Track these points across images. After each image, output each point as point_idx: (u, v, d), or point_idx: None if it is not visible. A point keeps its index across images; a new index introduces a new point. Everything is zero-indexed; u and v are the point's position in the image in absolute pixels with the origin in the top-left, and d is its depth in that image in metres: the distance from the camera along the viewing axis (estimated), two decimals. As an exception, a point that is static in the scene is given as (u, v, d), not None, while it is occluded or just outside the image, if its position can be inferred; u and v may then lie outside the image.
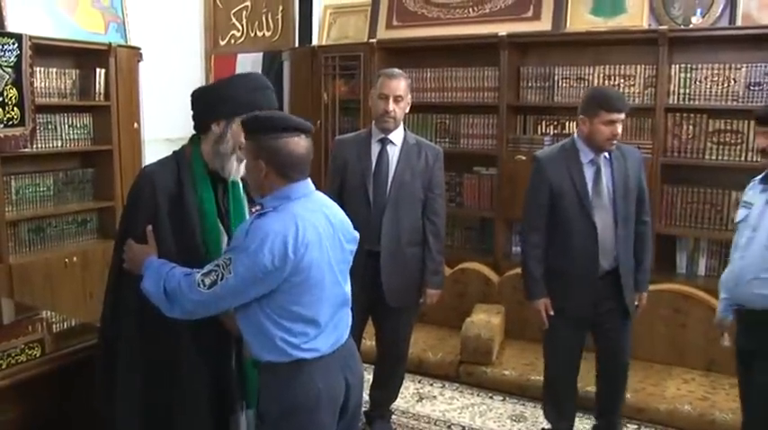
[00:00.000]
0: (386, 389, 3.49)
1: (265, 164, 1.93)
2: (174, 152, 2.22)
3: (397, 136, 3.20)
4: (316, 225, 1.94)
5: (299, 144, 1.95)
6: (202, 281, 1.88)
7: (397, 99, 3.11)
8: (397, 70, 3.21)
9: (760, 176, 2.70)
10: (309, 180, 2.02)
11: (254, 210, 2.08)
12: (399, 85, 3.12)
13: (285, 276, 1.87)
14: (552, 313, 3.06)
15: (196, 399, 2.09)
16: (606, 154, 2.97)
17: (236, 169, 2.14)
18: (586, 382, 3.33)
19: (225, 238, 2.18)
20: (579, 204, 2.95)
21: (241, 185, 2.26)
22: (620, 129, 2.89)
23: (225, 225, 2.19)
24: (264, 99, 2.15)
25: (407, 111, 3.24)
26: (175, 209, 2.08)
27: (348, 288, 2.12)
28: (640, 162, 3.06)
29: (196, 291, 1.88)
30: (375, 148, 3.21)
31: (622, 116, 2.88)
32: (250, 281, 1.86)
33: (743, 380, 2.78)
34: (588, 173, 2.96)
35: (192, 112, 2.21)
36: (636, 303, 3.06)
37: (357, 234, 2.16)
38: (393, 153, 3.19)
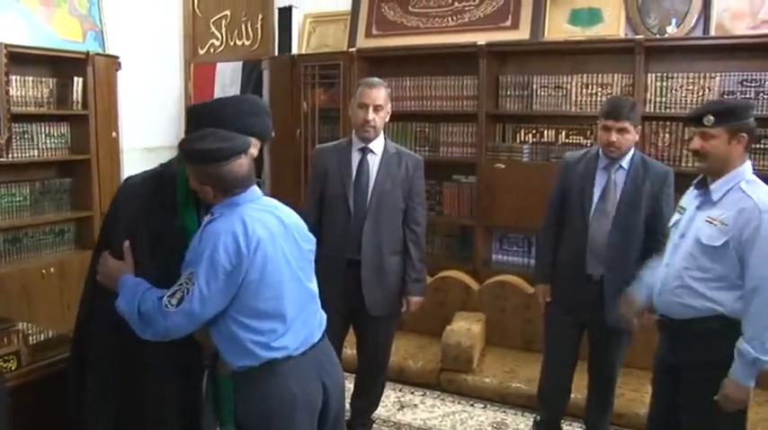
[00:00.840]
0: (367, 398, 3.49)
1: (212, 188, 1.97)
2: (161, 165, 2.18)
3: (377, 145, 3.20)
4: (265, 222, 1.98)
5: (242, 165, 1.98)
6: (169, 302, 1.88)
7: (377, 108, 3.11)
8: (376, 79, 3.21)
9: (695, 181, 2.62)
10: (255, 186, 2.07)
11: (205, 218, 2.06)
12: (379, 94, 3.12)
13: (243, 274, 1.90)
14: (548, 300, 3.23)
15: (167, 415, 2.07)
16: (624, 163, 3.00)
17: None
18: (580, 391, 3.35)
19: None
20: (579, 203, 3.04)
21: None
22: (614, 136, 2.91)
23: None
24: (258, 125, 2.13)
25: (387, 120, 3.24)
26: (155, 226, 2.04)
27: (314, 286, 2.16)
28: (664, 179, 3.00)
29: (164, 313, 1.88)
30: (355, 158, 3.20)
31: (619, 124, 2.90)
32: (215, 287, 1.88)
33: (662, 390, 2.68)
34: (600, 178, 3.03)
35: (185, 129, 2.18)
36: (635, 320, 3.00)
37: (313, 236, 2.20)
38: (373, 162, 3.19)
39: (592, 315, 3.03)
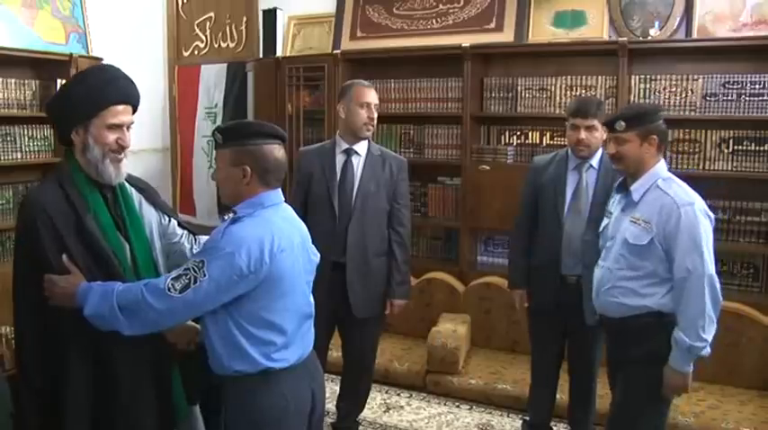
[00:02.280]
0: (353, 401, 3.48)
1: (251, 169, 1.96)
2: (55, 169, 2.13)
3: (361, 147, 3.22)
4: (289, 234, 1.99)
5: (280, 151, 2.03)
6: (173, 285, 1.84)
7: (376, 108, 3.18)
8: (365, 81, 3.28)
9: (616, 184, 2.77)
10: (280, 190, 2.06)
11: (226, 217, 2.06)
12: (375, 94, 3.20)
13: (259, 282, 1.89)
14: (526, 305, 3.27)
15: (138, 414, 2.04)
16: (594, 162, 3.05)
17: (116, 172, 2.06)
18: (563, 392, 3.37)
19: (126, 247, 2.10)
20: (552, 205, 3.08)
21: (128, 186, 2.19)
22: (583, 134, 2.97)
23: (123, 233, 2.11)
24: (116, 91, 2.05)
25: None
26: (76, 229, 1.98)
27: (312, 300, 2.15)
28: None
29: (166, 298, 1.84)
30: (340, 159, 3.22)
31: (587, 122, 2.96)
32: (224, 284, 1.85)
33: (612, 385, 2.80)
34: (571, 178, 3.08)
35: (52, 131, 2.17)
36: None
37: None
38: (358, 164, 3.20)
39: (570, 315, 3.05)
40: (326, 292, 3.05)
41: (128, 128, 2.08)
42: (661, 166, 2.56)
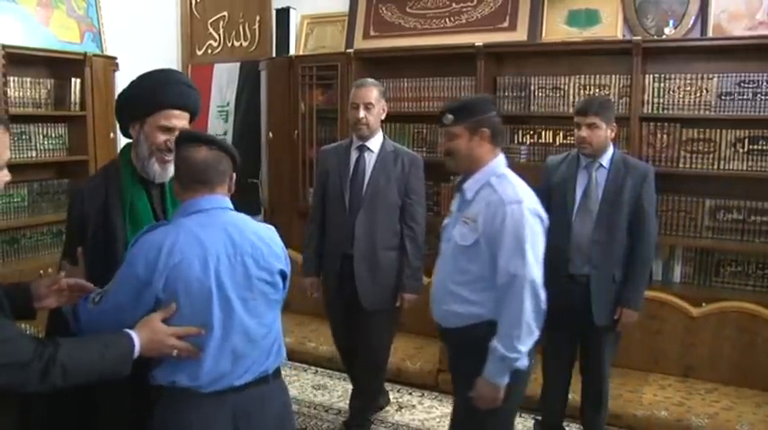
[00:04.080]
0: (364, 398, 3.49)
1: (176, 178, 1.92)
2: (109, 162, 2.24)
3: (374, 143, 3.28)
4: (203, 240, 1.78)
5: (199, 152, 1.85)
6: (93, 298, 1.81)
7: (368, 106, 3.21)
8: (368, 80, 3.33)
9: (457, 182, 2.52)
10: (219, 196, 1.89)
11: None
12: (369, 92, 3.22)
13: (156, 291, 1.74)
14: None
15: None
16: (604, 162, 3.05)
17: (160, 172, 2.12)
18: (576, 392, 3.35)
19: None
20: (562, 204, 3.07)
21: None
22: (584, 132, 2.99)
23: None
24: (169, 96, 2.10)
25: (383, 118, 3.31)
26: (104, 221, 2.07)
27: (261, 321, 1.87)
28: (644, 178, 3.02)
29: (86, 310, 1.82)
30: (353, 156, 3.30)
31: (587, 119, 2.98)
32: (129, 293, 1.76)
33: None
34: (581, 177, 3.08)
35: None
36: (615, 316, 3.05)
37: (283, 266, 1.93)
38: (370, 159, 3.27)
39: (580, 315, 3.04)
40: (338, 284, 3.27)
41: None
42: (497, 162, 2.36)
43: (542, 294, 2.22)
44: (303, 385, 4.12)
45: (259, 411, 1.88)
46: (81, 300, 1.85)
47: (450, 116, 2.34)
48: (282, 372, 1.99)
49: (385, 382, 3.64)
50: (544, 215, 2.31)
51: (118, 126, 2.26)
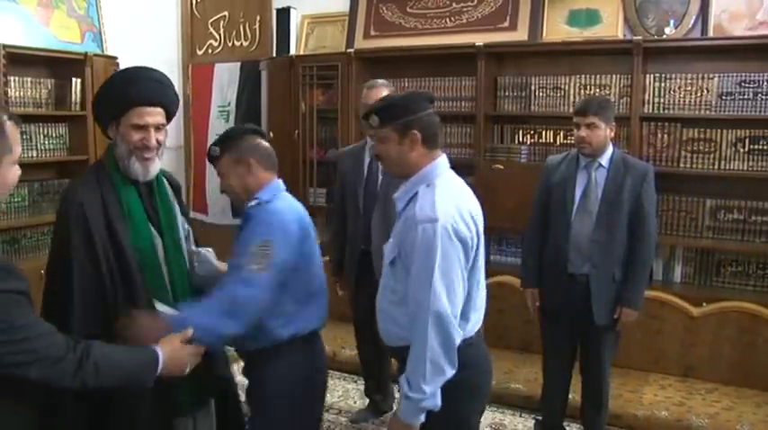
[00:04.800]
0: (387, 392, 3.63)
1: (253, 160, 2.15)
2: (96, 161, 2.23)
3: None
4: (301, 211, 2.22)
5: (263, 142, 2.24)
6: (256, 268, 1.99)
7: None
8: (379, 80, 3.36)
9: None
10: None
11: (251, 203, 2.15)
12: (378, 93, 3.21)
13: (304, 249, 2.14)
14: (538, 304, 3.26)
15: (137, 403, 2.04)
16: (604, 162, 3.05)
17: (142, 170, 2.13)
18: (576, 392, 3.35)
19: (158, 240, 2.18)
20: (561, 203, 3.08)
21: (165, 182, 2.29)
22: (583, 131, 2.99)
23: (155, 226, 2.19)
24: (138, 93, 2.10)
25: None
26: (105, 221, 2.05)
27: (319, 281, 2.29)
28: (644, 177, 3.01)
29: (255, 279, 1.98)
30: (367, 158, 3.35)
31: (587, 119, 2.98)
32: (289, 253, 2.06)
33: None
34: (581, 177, 3.08)
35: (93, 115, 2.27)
36: (615, 316, 3.05)
37: None
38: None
39: (580, 315, 3.05)
40: (358, 281, 3.41)
41: (157, 128, 2.13)
42: (432, 169, 2.06)
43: (452, 328, 1.91)
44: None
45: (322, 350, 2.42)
46: (237, 289, 1.99)
47: (375, 118, 2.07)
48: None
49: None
50: (467, 234, 1.98)
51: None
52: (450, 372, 1.93)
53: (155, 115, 2.12)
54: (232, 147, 2.16)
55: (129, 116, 2.08)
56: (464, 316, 2.02)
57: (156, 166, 2.17)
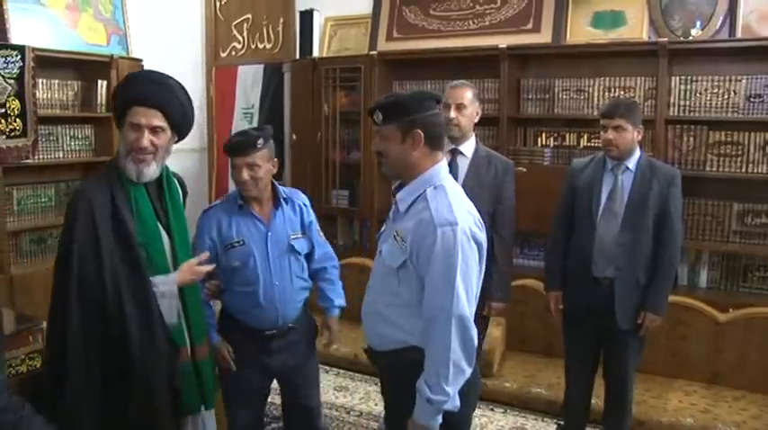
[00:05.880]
0: None
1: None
2: (109, 162, 2.25)
3: (467, 148, 3.20)
4: None
5: None
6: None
7: (460, 107, 3.14)
8: (463, 81, 3.27)
9: (393, 188, 2.23)
10: None
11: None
12: (461, 93, 3.16)
13: None
14: (561, 307, 3.22)
15: (152, 402, 2.08)
16: (630, 165, 3.02)
17: (136, 172, 2.13)
18: (600, 397, 3.31)
19: (166, 238, 2.21)
20: (587, 206, 3.06)
21: (175, 180, 2.32)
22: (611, 134, 2.97)
23: (164, 224, 2.22)
24: (130, 94, 2.14)
25: (476, 120, 3.25)
26: (113, 219, 2.08)
27: None
28: (671, 182, 2.98)
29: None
30: (445, 159, 3.20)
31: (614, 122, 2.96)
32: None
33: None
34: (607, 180, 3.06)
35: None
36: (639, 321, 3.02)
37: None
38: (463, 165, 3.19)
39: (603, 319, 3.02)
40: None
41: (153, 130, 2.12)
42: (436, 170, 2.05)
43: (472, 330, 1.94)
44: (325, 387, 4.12)
45: None
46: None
47: (380, 114, 2.04)
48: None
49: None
50: (482, 237, 2.01)
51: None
52: (469, 372, 1.96)
53: (149, 116, 2.11)
54: None
55: (128, 115, 2.11)
56: None
57: (152, 170, 2.16)
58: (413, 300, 1.99)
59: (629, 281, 2.98)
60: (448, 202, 1.97)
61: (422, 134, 2.00)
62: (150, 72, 2.25)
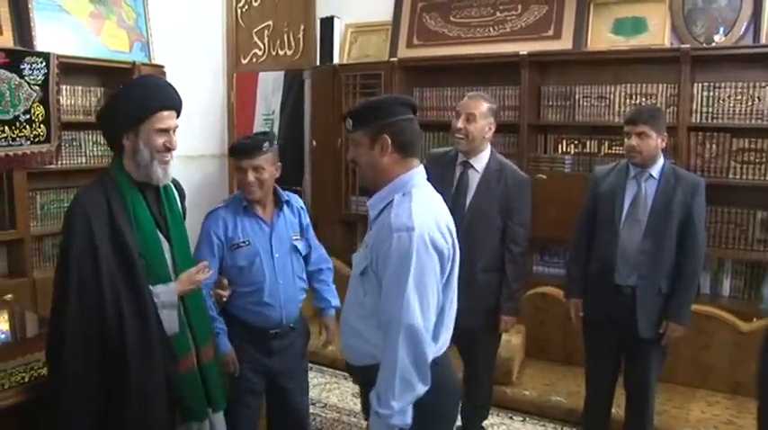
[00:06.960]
0: (471, 410, 3.49)
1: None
2: (103, 172, 2.26)
3: (479, 162, 3.15)
4: None
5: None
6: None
7: (469, 117, 3.08)
8: (481, 92, 3.27)
9: None
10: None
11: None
12: (474, 104, 3.10)
13: None
14: (581, 315, 3.21)
15: (148, 416, 2.07)
16: (654, 173, 3.00)
17: (163, 174, 2.19)
18: (621, 406, 3.29)
19: (166, 245, 2.22)
20: (609, 213, 3.05)
21: (171, 186, 2.33)
22: (634, 141, 2.96)
23: (163, 231, 2.24)
24: (161, 99, 2.18)
25: (489, 135, 3.15)
26: (110, 229, 2.08)
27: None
28: (695, 190, 2.95)
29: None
30: (457, 171, 3.19)
31: (637, 129, 2.95)
32: None
33: None
34: (630, 187, 3.04)
35: (103, 137, 2.33)
36: (661, 330, 2.99)
37: None
38: (473, 180, 3.15)
39: (624, 327, 3.00)
40: None
41: (173, 131, 2.21)
42: (409, 178, 1.98)
43: (423, 343, 1.83)
44: (343, 393, 4.12)
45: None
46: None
47: (350, 120, 2.01)
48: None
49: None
50: (444, 245, 1.90)
51: (105, 140, 2.33)
52: (421, 389, 1.85)
53: (173, 119, 2.22)
54: None
55: (152, 122, 2.14)
56: (434, 335, 1.93)
57: (172, 169, 2.25)
58: (376, 311, 1.91)
59: (651, 289, 2.96)
60: (409, 207, 1.89)
61: (389, 139, 1.95)
62: (157, 77, 2.34)
